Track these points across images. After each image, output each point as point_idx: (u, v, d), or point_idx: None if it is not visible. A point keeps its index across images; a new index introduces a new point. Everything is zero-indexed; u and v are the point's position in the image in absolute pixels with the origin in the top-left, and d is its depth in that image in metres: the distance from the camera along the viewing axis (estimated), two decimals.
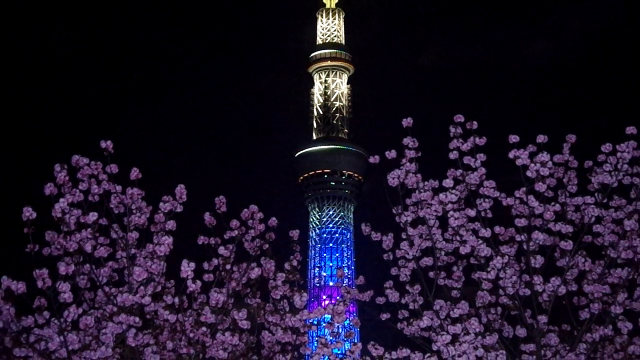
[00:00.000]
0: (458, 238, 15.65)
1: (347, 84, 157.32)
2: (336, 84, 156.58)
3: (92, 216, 14.80)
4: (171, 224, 15.18)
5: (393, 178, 15.78)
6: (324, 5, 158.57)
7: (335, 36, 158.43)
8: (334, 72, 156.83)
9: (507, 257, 15.45)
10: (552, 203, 15.53)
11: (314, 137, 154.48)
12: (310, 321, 16.07)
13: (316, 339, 16.22)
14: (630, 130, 15.47)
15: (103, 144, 15.01)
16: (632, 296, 15.28)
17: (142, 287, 14.60)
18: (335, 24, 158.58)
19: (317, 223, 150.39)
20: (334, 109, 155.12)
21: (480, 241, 15.53)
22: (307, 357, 16.24)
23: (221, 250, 15.51)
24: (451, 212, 15.65)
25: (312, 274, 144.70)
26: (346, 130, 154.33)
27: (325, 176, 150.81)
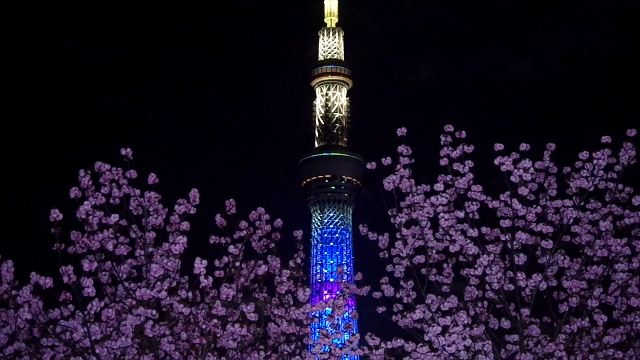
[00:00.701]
0: (448, 238, 15.64)
1: (347, 96, 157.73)
2: (336, 97, 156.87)
3: (114, 218, 14.76)
4: (185, 225, 15.12)
5: (389, 183, 15.74)
6: (326, 25, 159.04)
7: (335, 53, 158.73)
8: (335, 86, 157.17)
9: (493, 255, 15.46)
10: (534, 206, 15.52)
11: (316, 145, 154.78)
12: (312, 314, 16.05)
13: (318, 330, 16.20)
14: (606, 139, 15.47)
15: (123, 152, 15.01)
16: (607, 291, 15.26)
17: (159, 283, 14.59)
18: (335, 42, 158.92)
19: (319, 224, 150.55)
20: (334, 119, 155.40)
21: (469, 241, 15.52)
22: (309, 347, 16.18)
23: (231, 249, 15.48)
24: (442, 214, 15.65)
25: (314, 271, 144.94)
26: (345, 139, 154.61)
27: (327, 181, 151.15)
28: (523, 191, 15.48)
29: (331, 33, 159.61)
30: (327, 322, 16.23)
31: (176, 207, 15.19)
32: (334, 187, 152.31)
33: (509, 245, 15.47)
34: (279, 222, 15.92)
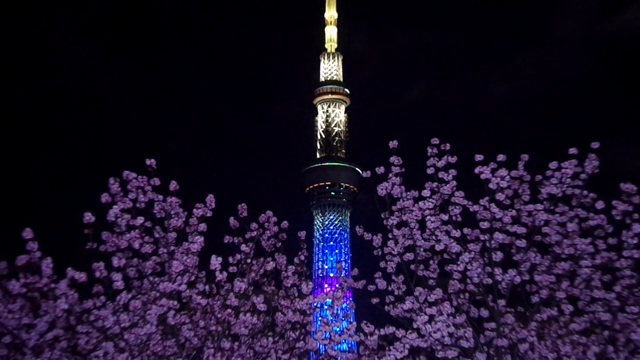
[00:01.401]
0: (434, 237, 15.64)
1: (345, 113, 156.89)
2: (335, 113, 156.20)
3: (139, 220, 14.83)
4: (202, 226, 15.18)
5: (381, 189, 15.80)
6: (326, 50, 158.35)
7: (335, 75, 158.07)
8: (334, 104, 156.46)
9: (473, 252, 15.48)
10: (509, 209, 15.48)
11: (318, 156, 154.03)
12: (314, 304, 16.09)
13: (320, 318, 16.26)
14: (572, 151, 15.46)
15: (148, 162, 15.07)
16: (573, 284, 15.24)
17: (179, 277, 14.63)
18: (335, 65, 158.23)
19: (320, 225, 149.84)
20: (333, 133, 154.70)
21: (452, 240, 15.55)
22: (312, 333, 16.20)
23: (243, 247, 15.56)
24: (428, 217, 15.66)
25: (316, 267, 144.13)
26: (344, 151, 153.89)
27: (327, 187, 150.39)
28: (500, 196, 15.50)
29: (331, 57, 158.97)
30: (328, 312, 16.30)
31: (194, 210, 15.24)
32: (333, 193, 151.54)
33: (488, 244, 15.44)
34: (285, 224, 15.98)
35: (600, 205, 15.33)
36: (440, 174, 15.78)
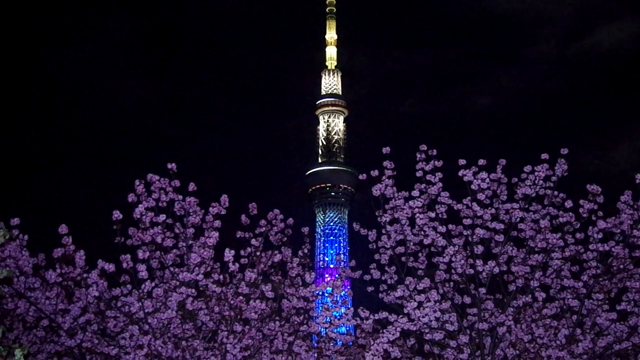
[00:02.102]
0: (422, 233, 15.52)
1: (343, 123, 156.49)
2: (335, 123, 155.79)
3: (161, 217, 14.89)
4: (217, 223, 15.21)
5: (376, 190, 15.77)
6: (327, 67, 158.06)
7: (334, 89, 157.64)
8: (334, 115, 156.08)
9: (457, 246, 15.37)
10: (489, 208, 15.45)
11: (319, 160, 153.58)
12: (316, 292, 16.10)
13: (321, 305, 16.26)
14: (544, 156, 15.44)
15: (169, 166, 15.09)
16: (545, 274, 15.27)
17: (197, 268, 14.66)
18: (334, 80, 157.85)
19: (322, 222, 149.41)
20: (333, 140, 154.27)
21: (438, 235, 15.45)
22: (314, 318, 16.19)
23: (253, 241, 15.52)
24: (417, 214, 15.56)
25: (318, 259, 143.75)
26: (342, 156, 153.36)
27: (328, 188, 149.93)
28: (480, 196, 15.44)
29: (331, 73, 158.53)
30: (328, 299, 16.27)
31: (210, 208, 15.28)
32: (333, 193, 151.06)
33: (470, 239, 15.39)
34: (290, 221, 15.96)
35: (569, 204, 15.36)
36: (428, 177, 15.66)
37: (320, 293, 16.40)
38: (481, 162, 15.64)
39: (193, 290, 14.45)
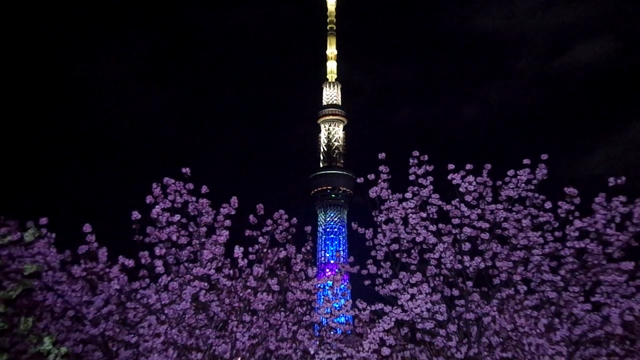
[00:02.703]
0: (415, 231, 15.58)
1: (343, 131, 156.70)
2: (335, 131, 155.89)
3: (176, 217, 14.90)
4: (228, 222, 15.20)
5: (372, 192, 15.79)
6: (328, 80, 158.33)
7: (335, 100, 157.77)
8: (334, 123, 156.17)
9: (446, 243, 15.44)
10: (476, 208, 15.51)
11: (321, 165, 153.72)
12: (318, 285, 16.10)
13: (322, 297, 16.28)
14: (526, 161, 15.49)
15: (183, 170, 15.09)
16: (527, 268, 15.28)
17: (209, 263, 14.68)
18: (335, 92, 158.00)
19: (323, 221, 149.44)
20: (334, 147, 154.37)
21: (429, 233, 15.51)
22: (316, 309, 16.21)
23: (260, 239, 15.54)
24: (410, 214, 15.63)
25: (319, 255, 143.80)
26: (342, 161, 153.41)
27: (328, 191, 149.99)
28: (468, 198, 15.52)
29: (332, 85, 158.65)
30: (329, 291, 16.28)
31: (221, 209, 15.27)
32: (333, 195, 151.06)
33: (458, 237, 15.44)
34: (294, 220, 15.96)
35: (548, 205, 15.37)
36: (420, 180, 15.73)
37: (322, 286, 16.39)
38: (468, 166, 15.71)
39: (205, 284, 14.45)
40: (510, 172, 15.63)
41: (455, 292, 15.43)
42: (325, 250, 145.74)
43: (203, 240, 15.11)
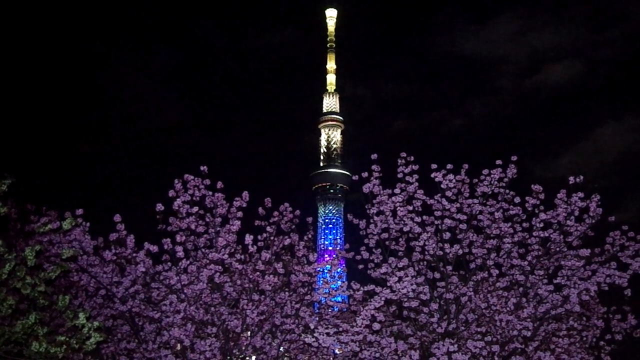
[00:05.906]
0: (402, 222, 15.48)
1: (340, 134, 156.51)
2: (334, 135, 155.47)
3: (195, 209, 14.90)
4: (239, 214, 15.17)
5: (366, 188, 15.74)
6: (327, 90, 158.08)
7: (333, 107, 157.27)
8: (333, 128, 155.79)
9: (429, 233, 15.41)
10: (455, 202, 15.49)
11: (321, 164, 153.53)
12: (318, 269, 16.08)
13: (322, 279, 16.28)
14: (499, 162, 15.51)
15: (201, 168, 15.08)
16: (499, 255, 15.32)
17: (223, 249, 14.68)
18: (333, 101, 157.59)
19: (323, 213, 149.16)
20: (332, 148, 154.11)
21: (415, 224, 15.46)
22: (316, 289, 16.20)
23: (268, 228, 15.48)
24: (398, 207, 15.61)
25: (319, 243, 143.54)
26: (339, 161, 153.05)
27: (328, 187, 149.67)
28: (448, 193, 15.52)
29: (331, 95, 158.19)
30: (327, 274, 16.27)
31: (234, 202, 15.22)
32: (332, 191, 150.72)
33: (440, 227, 15.41)
34: (297, 212, 15.91)
35: (517, 200, 15.43)
36: (407, 178, 15.70)
37: (321, 270, 16.36)
38: (449, 166, 15.67)
39: (220, 267, 14.47)
40: (485, 171, 15.60)
41: (437, 275, 15.41)
42: (324, 239, 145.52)
43: (218, 229, 15.10)
